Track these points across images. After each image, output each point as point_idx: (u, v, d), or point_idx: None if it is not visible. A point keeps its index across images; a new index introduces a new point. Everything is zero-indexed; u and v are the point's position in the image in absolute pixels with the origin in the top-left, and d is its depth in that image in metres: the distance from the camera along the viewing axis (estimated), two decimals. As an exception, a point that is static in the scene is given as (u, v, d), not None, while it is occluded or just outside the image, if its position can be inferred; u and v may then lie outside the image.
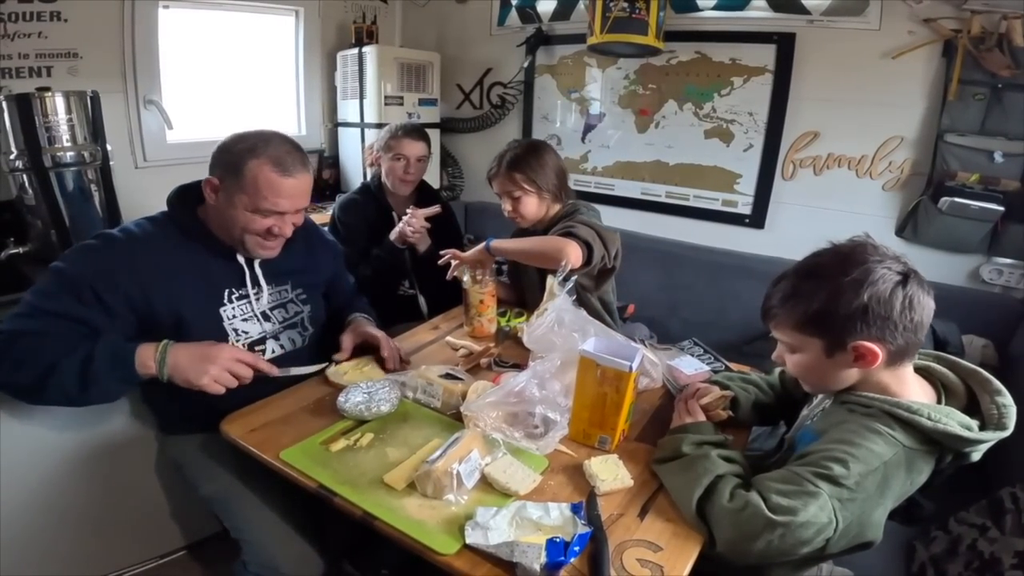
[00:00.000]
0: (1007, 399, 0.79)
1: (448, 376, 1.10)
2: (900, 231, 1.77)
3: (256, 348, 1.15)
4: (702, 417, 0.95)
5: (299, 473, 0.89)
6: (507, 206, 1.49)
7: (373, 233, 1.81)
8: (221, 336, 1.09)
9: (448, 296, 1.88)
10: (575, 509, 0.80)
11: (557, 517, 0.78)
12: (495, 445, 0.90)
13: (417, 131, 1.76)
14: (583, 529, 0.76)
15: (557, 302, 1.00)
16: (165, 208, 1.10)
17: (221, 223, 1.06)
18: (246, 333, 1.13)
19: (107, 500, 1.31)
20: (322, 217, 2.26)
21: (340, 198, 1.87)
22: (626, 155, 2.21)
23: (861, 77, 1.74)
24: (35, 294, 0.96)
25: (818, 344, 0.80)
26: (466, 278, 1.39)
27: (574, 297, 1.04)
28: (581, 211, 1.48)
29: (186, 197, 1.10)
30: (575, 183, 2.32)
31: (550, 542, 0.72)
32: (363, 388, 1.04)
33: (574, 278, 1.10)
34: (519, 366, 1.24)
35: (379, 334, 1.21)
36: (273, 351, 1.18)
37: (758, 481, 0.78)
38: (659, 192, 2.17)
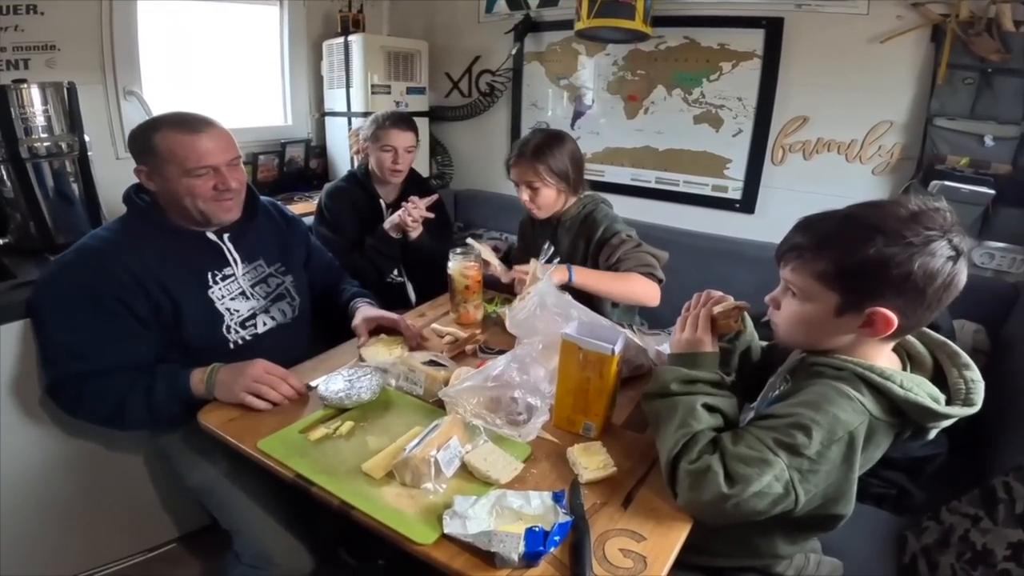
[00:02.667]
0: (975, 374, 0.76)
1: (432, 363, 1.07)
2: None
3: (248, 324, 1.17)
4: (707, 337, 0.86)
5: (276, 463, 0.87)
6: (524, 195, 1.44)
7: (361, 221, 1.77)
8: (216, 318, 1.12)
9: (436, 284, 1.86)
10: (556, 498, 0.78)
11: (538, 506, 0.76)
12: (476, 432, 0.88)
13: (405, 120, 1.73)
14: (564, 518, 0.74)
15: (540, 286, 0.97)
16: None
17: (173, 203, 1.07)
18: (237, 311, 1.15)
19: (96, 492, 1.31)
20: (309, 206, 2.22)
21: (327, 186, 1.83)
22: (616, 141, 2.19)
23: (850, 62, 1.71)
24: (59, 330, 1.01)
25: (833, 300, 0.73)
26: (452, 263, 1.36)
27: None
28: (601, 208, 1.46)
29: (139, 193, 1.12)
30: None
31: (529, 531, 0.70)
32: (344, 376, 1.01)
33: (557, 260, 1.07)
34: (505, 352, 1.22)
35: (394, 316, 1.23)
36: (265, 324, 1.20)
37: (722, 443, 0.74)
38: (649, 178, 2.14)
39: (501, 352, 1.22)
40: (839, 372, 0.76)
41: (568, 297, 0.99)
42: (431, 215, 1.67)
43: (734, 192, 1.99)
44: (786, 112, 1.83)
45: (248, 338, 1.17)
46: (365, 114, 2.30)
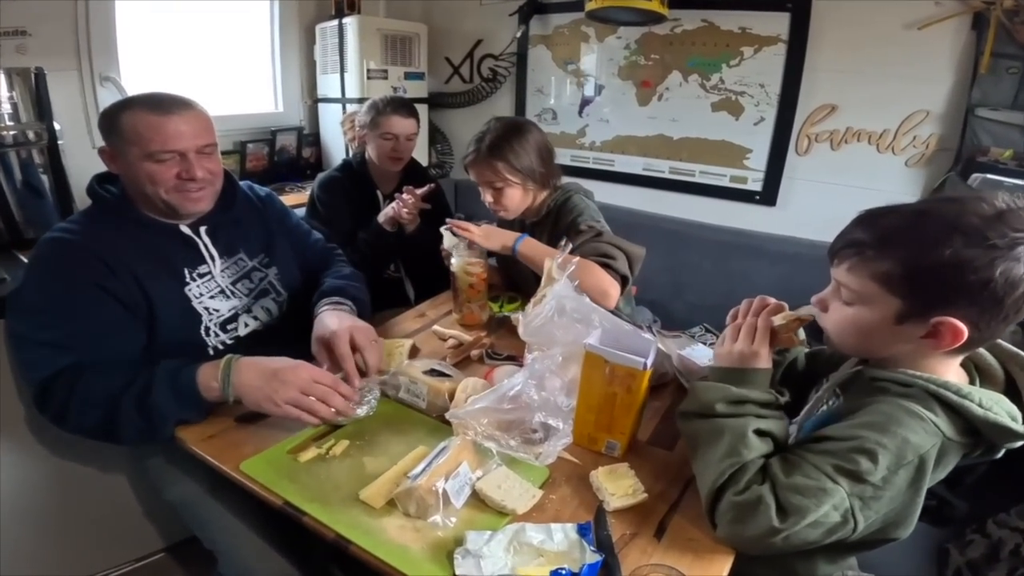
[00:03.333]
0: None
1: (434, 372, 0.97)
2: None
3: (229, 326, 1.07)
4: (765, 351, 0.74)
5: (262, 488, 0.77)
6: (487, 197, 1.32)
7: (356, 214, 1.67)
8: (194, 318, 1.02)
9: (436, 280, 1.76)
10: (582, 531, 0.69)
11: (561, 541, 0.67)
12: (487, 455, 0.78)
13: (406, 106, 1.62)
14: (593, 557, 0.65)
15: (557, 288, 0.87)
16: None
17: (136, 190, 0.98)
18: (217, 311, 1.05)
19: (80, 503, 1.25)
20: (301, 197, 2.12)
21: (319, 176, 1.72)
22: (627, 129, 2.08)
23: (883, 48, 1.62)
24: (38, 329, 0.90)
25: (894, 305, 0.65)
26: (454, 261, 1.26)
27: (576, 283, 0.91)
28: (573, 199, 1.33)
29: (105, 183, 1.02)
30: (572, 159, 2.22)
31: (554, 574, 0.61)
32: None
33: (567, 249, 0.97)
34: (514, 358, 1.13)
35: (338, 343, 0.94)
36: (247, 325, 1.10)
37: (773, 471, 0.67)
38: (662, 168, 2.05)
39: (510, 358, 1.13)
40: (906, 389, 0.67)
41: (587, 300, 0.89)
42: (427, 206, 1.56)
43: (754, 183, 1.90)
44: (813, 100, 1.74)
45: (229, 342, 1.07)
46: (361, 100, 2.20)
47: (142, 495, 1.33)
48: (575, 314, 0.83)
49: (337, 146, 2.38)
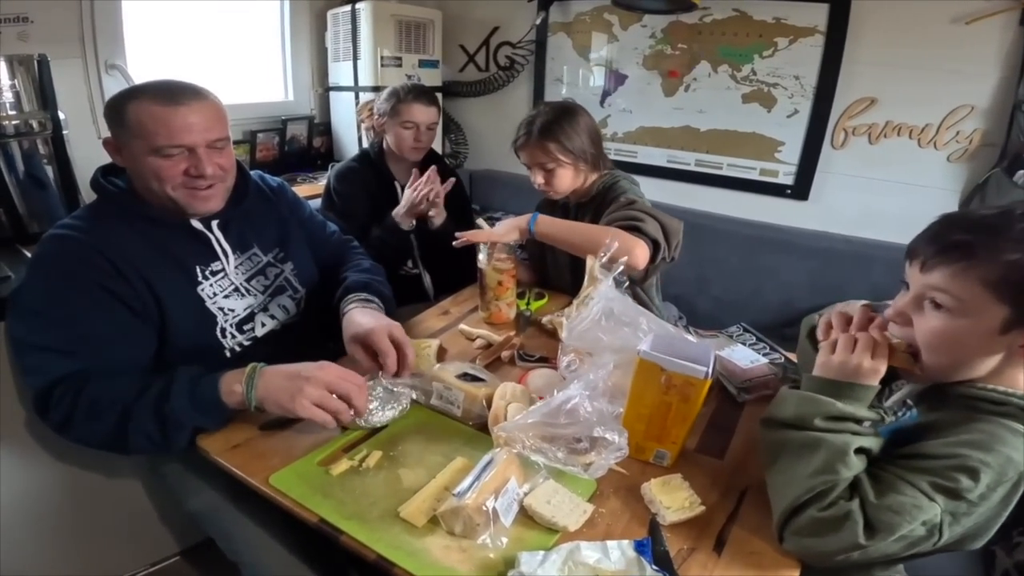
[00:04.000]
0: None
1: (467, 376, 0.93)
2: (965, 204, 1.63)
3: (245, 326, 1.02)
4: (883, 367, 0.68)
5: (294, 504, 0.73)
6: (538, 179, 1.32)
7: (374, 205, 1.62)
8: (208, 320, 0.97)
9: (455, 274, 1.71)
10: (640, 548, 0.65)
11: (619, 559, 0.64)
12: (534, 468, 0.74)
13: (427, 95, 1.57)
14: (654, 575, 0.61)
15: (602, 289, 0.82)
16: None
17: (143, 185, 0.92)
18: (232, 311, 1.00)
19: (92, 509, 1.22)
20: (313, 188, 2.09)
21: (336, 166, 1.67)
22: (651, 120, 2.03)
23: (928, 42, 1.58)
24: (39, 332, 0.85)
25: (1002, 313, 0.60)
26: (482, 256, 1.21)
27: (625, 283, 0.86)
28: (621, 183, 1.32)
29: (109, 175, 0.96)
30: None
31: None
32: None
33: (620, 268, 0.92)
34: (547, 360, 1.08)
35: (378, 339, 0.90)
36: (263, 324, 1.05)
37: (862, 488, 0.63)
38: (688, 160, 2.00)
39: (542, 360, 1.08)
40: (1001, 407, 0.64)
41: (631, 301, 0.85)
42: (443, 188, 1.52)
43: (785, 177, 1.85)
44: (851, 93, 1.70)
45: (246, 343, 1.02)
46: (374, 88, 2.16)
47: (156, 500, 1.30)
48: (623, 317, 0.78)
49: (349, 136, 2.33)
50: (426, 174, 1.48)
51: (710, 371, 0.70)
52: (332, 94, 2.36)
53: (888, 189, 1.70)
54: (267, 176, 1.18)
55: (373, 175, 1.64)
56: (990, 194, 1.56)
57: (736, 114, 1.86)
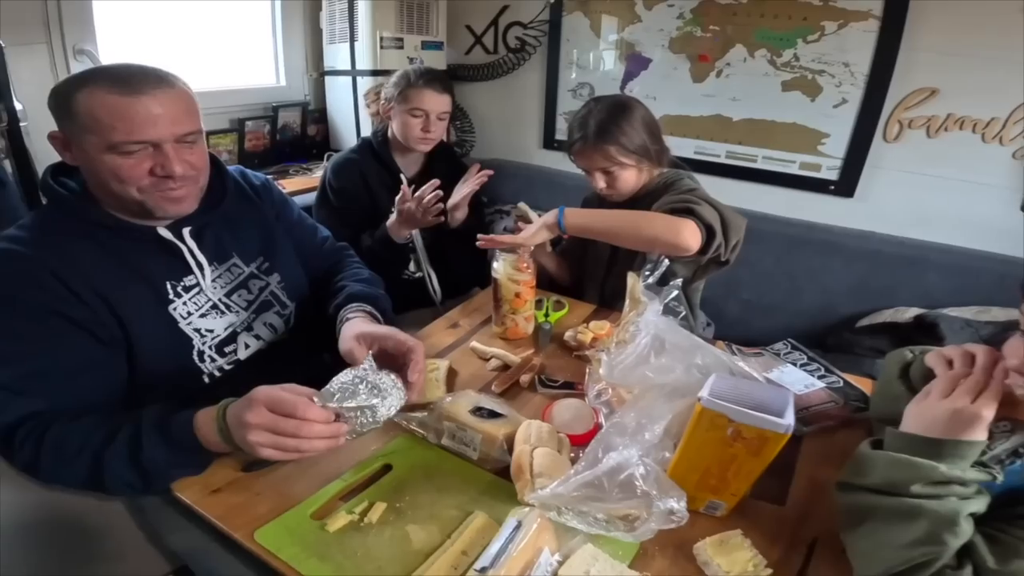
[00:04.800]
0: None
1: (481, 412, 0.83)
2: None
3: (226, 348, 0.92)
4: (989, 413, 0.57)
5: (285, 566, 0.63)
6: (600, 183, 1.24)
7: (375, 202, 1.52)
8: (183, 343, 0.87)
9: (460, 275, 1.62)
10: None
11: None
12: (569, 533, 0.64)
13: (440, 80, 1.46)
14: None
15: (648, 316, 0.71)
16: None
17: (99, 187, 0.81)
18: (211, 332, 0.90)
19: (78, 525, 1.09)
20: (308, 181, 1.99)
21: (333, 158, 1.56)
22: (677, 108, 1.91)
23: (996, 32, 1.46)
24: None
25: None
26: (497, 264, 1.11)
27: (674, 294, 0.75)
28: (685, 180, 1.23)
29: (61, 174, 0.85)
30: None
31: None
32: (350, 386, 0.73)
33: (663, 265, 0.81)
34: (572, 385, 0.98)
35: (409, 343, 0.82)
36: (247, 346, 0.94)
37: (980, 555, 0.55)
38: (717, 151, 1.88)
39: (567, 386, 0.98)
40: None
41: (684, 332, 0.74)
42: (473, 185, 1.44)
43: (829, 172, 1.74)
44: (909, 83, 1.59)
45: (227, 367, 0.92)
46: (374, 73, 2.06)
47: (139, 523, 1.20)
48: (675, 352, 0.67)
49: (347, 123, 2.22)
50: (426, 188, 1.36)
51: (790, 425, 0.59)
52: (327, 79, 2.25)
53: (942, 186, 1.60)
54: (249, 173, 1.06)
55: (375, 167, 1.53)
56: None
57: (775, 103, 1.74)
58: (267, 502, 0.72)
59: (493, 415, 0.83)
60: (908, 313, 1.50)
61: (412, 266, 1.62)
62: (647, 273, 0.81)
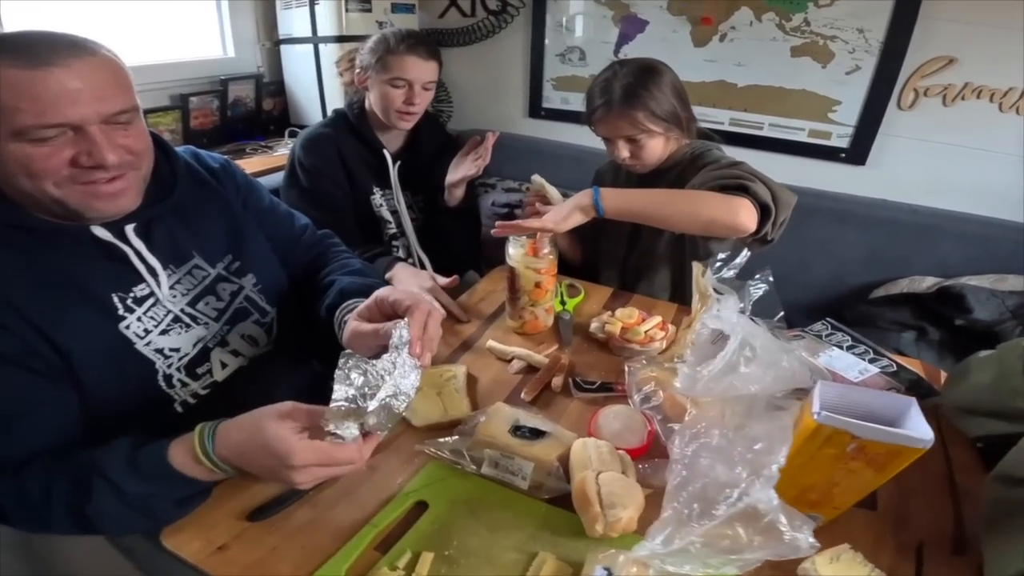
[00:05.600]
0: None
1: (522, 431, 0.74)
2: None
3: (198, 369, 0.78)
4: None
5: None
6: (623, 153, 1.16)
7: (354, 183, 1.37)
8: (143, 368, 0.72)
9: (455, 258, 1.50)
10: None
11: None
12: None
13: (425, 45, 1.32)
14: None
15: (732, 318, 0.62)
16: None
17: (5, 182, 0.65)
18: (176, 351, 0.75)
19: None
20: (267, 161, 1.82)
21: (302, 134, 1.39)
22: (677, 73, 1.81)
23: (1017, 1, 1.43)
24: None
25: None
26: (514, 251, 1.01)
27: (763, 290, 0.67)
28: (714, 151, 1.17)
29: None
30: None
31: None
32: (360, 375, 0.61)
33: (743, 256, 0.72)
34: (611, 387, 0.89)
35: (406, 302, 0.69)
36: (224, 365, 0.81)
37: None
38: (720, 119, 1.81)
39: (604, 388, 0.89)
40: None
41: (770, 335, 0.65)
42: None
43: (839, 139, 1.70)
44: (926, 50, 1.56)
45: (203, 391, 0.79)
46: (339, 39, 1.88)
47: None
48: (766, 356, 0.59)
49: (309, 96, 2.04)
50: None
51: (932, 437, 0.52)
52: (284, 48, 2.05)
53: (956, 154, 1.59)
54: (203, 154, 0.90)
55: (353, 143, 1.38)
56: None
57: (783, 69, 1.68)
58: (288, 559, 0.61)
59: (536, 434, 0.74)
60: (924, 283, 1.49)
61: (401, 252, 1.48)
62: (719, 264, 0.71)
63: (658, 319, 1.02)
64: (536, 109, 2.08)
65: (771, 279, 0.70)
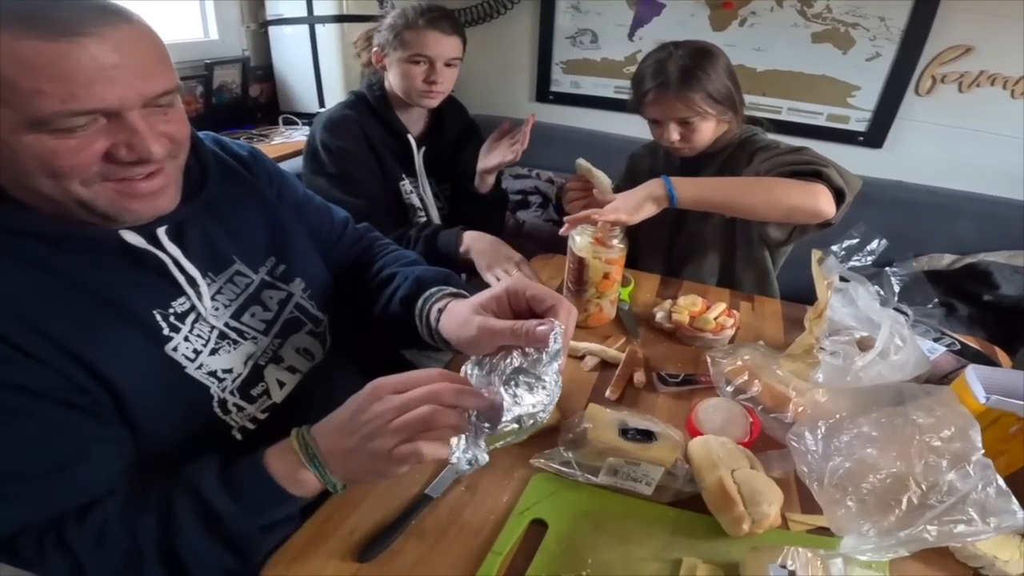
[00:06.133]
0: None
1: (630, 433, 0.68)
2: None
3: (252, 390, 0.67)
4: None
5: None
6: (673, 135, 1.11)
7: (383, 170, 1.28)
8: (198, 394, 0.62)
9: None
10: None
11: None
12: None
13: (447, 18, 1.23)
14: None
15: (869, 304, 0.59)
16: None
17: (16, 183, 0.52)
18: (229, 372, 0.65)
19: None
20: (270, 150, 1.68)
21: (322, 116, 1.28)
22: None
23: None
24: None
25: None
26: (581, 240, 0.95)
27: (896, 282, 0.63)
28: (760, 135, 1.15)
29: None
30: (616, 91, 1.95)
31: None
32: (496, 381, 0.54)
33: (879, 244, 0.69)
34: (695, 379, 0.85)
35: (551, 300, 0.59)
36: (281, 385, 0.71)
37: None
38: (739, 103, 1.82)
39: (689, 380, 0.85)
40: None
41: (907, 325, 0.62)
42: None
43: (857, 123, 1.74)
44: (944, 39, 1.61)
45: (262, 415, 0.68)
46: (338, 19, 1.76)
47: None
48: (912, 344, 0.56)
49: (301, 81, 1.91)
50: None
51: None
52: (273, 30, 1.90)
53: (969, 138, 1.65)
54: (228, 141, 0.77)
55: (375, 127, 1.28)
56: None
57: (803, 55, 1.70)
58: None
59: (646, 435, 0.68)
60: (944, 260, 1.52)
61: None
62: (843, 253, 0.67)
63: (723, 306, 0.99)
64: (544, 93, 2.02)
65: (913, 264, 0.66)
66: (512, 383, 0.52)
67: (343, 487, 0.54)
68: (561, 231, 0.95)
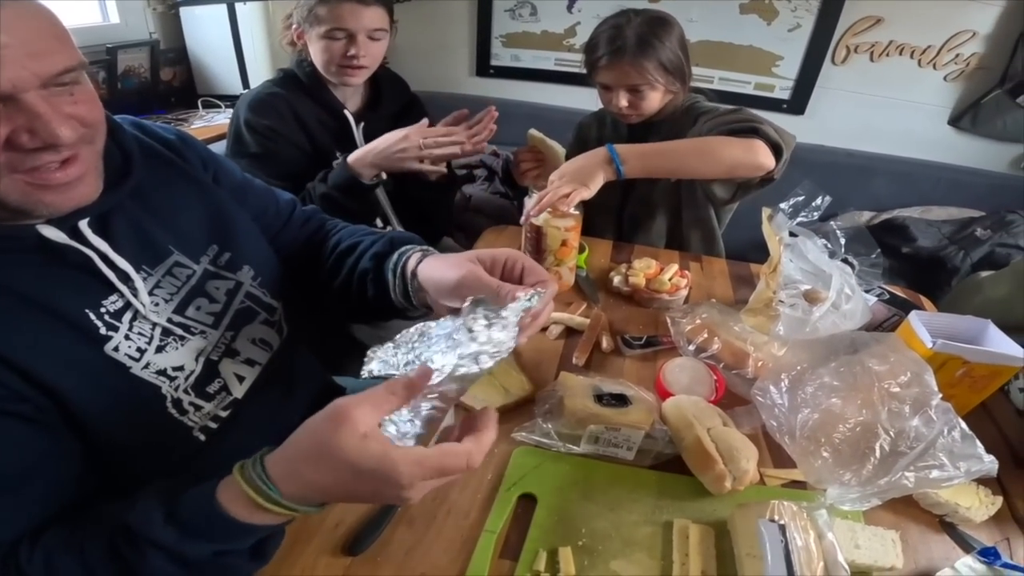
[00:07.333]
0: None
1: (605, 398, 0.67)
2: (955, 121, 1.75)
3: (209, 387, 0.60)
4: None
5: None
6: (621, 101, 1.10)
7: (317, 149, 1.19)
8: (147, 394, 0.55)
9: (433, 225, 1.38)
10: (988, 555, 0.53)
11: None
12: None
13: None
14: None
15: (819, 256, 0.60)
16: None
17: None
18: (180, 370, 0.57)
19: None
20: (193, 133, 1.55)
21: (247, 96, 1.17)
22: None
23: None
24: None
25: None
26: (533, 205, 0.92)
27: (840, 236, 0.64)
28: (703, 101, 1.15)
29: None
30: (557, 63, 1.94)
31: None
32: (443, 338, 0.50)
33: (822, 199, 0.70)
34: (657, 340, 0.85)
35: (538, 270, 0.58)
36: (240, 379, 0.64)
37: None
38: (672, 73, 1.84)
39: (652, 342, 0.85)
40: None
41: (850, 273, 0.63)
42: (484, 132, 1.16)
43: (781, 92, 1.81)
44: (857, 10, 1.69)
45: (223, 413, 0.61)
46: (262, -5, 1.61)
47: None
48: (858, 294, 0.57)
49: (221, 63, 1.77)
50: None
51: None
52: (185, 11, 1.74)
53: (882, 104, 1.74)
54: (148, 124, 0.68)
55: (309, 105, 1.18)
56: (985, 112, 1.68)
57: (732, 26, 1.73)
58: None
59: (619, 399, 0.67)
60: (863, 217, 1.62)
61: (379, 222, 1.32)
62: (790, 210, 0.68)
63: (675, 267, 1.00)
64: (484, 67, 1.97)
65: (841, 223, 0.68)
66: (471, 316, 0.50)
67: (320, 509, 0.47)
68: (522, 220, 0.93)
